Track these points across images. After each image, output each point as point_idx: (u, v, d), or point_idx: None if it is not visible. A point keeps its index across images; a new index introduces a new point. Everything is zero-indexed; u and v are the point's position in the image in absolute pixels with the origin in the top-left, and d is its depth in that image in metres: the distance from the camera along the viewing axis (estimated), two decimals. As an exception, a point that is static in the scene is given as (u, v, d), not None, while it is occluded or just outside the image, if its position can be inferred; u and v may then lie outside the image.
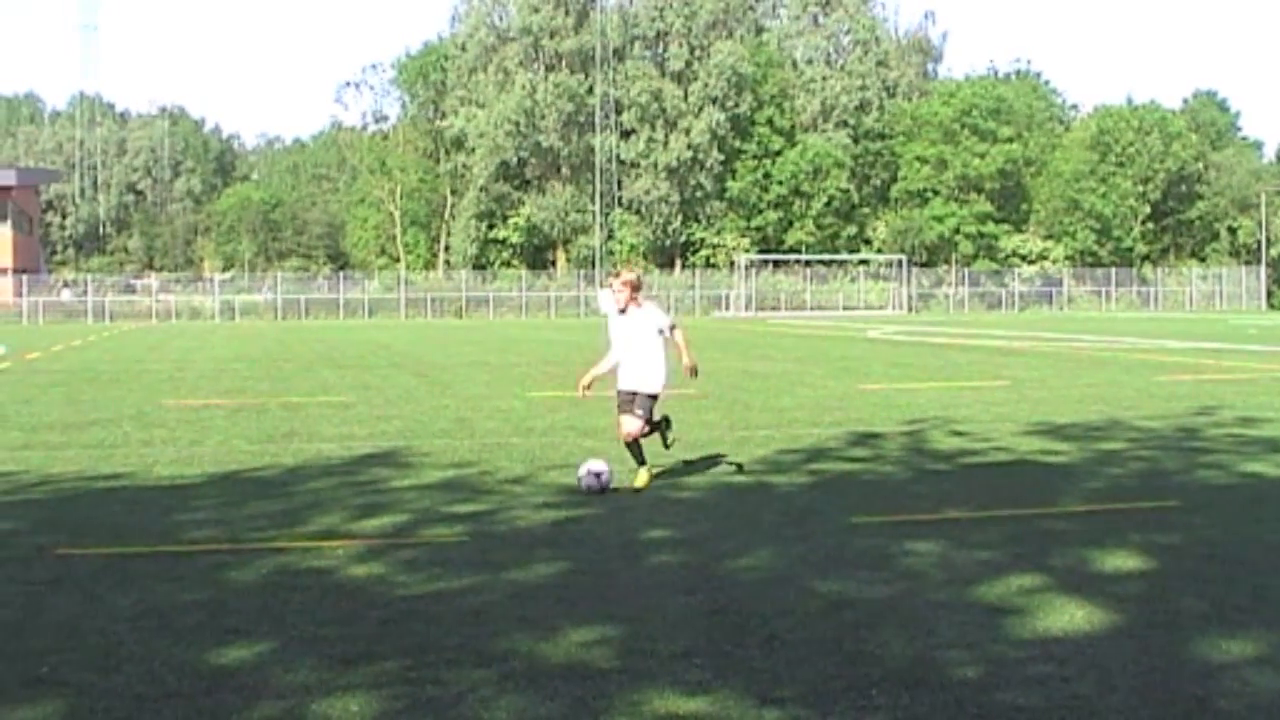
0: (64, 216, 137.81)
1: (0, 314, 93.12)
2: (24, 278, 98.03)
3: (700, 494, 13.07)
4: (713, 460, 15.34)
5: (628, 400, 13.51)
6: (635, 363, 13.51)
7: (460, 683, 6.86)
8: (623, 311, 13.51)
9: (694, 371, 13.72)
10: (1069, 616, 8.13)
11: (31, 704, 6.59)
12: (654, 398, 13.48)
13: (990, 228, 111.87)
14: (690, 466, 14.82)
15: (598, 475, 12.77)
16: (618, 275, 13.59)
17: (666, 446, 14.11)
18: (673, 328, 13.55)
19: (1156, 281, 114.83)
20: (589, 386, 13.94)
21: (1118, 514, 11.68)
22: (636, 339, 13.47)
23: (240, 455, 16.15)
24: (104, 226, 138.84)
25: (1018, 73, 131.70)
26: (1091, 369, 30.87)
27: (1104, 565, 9.53)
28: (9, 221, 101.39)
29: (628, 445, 13.50)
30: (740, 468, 14.35)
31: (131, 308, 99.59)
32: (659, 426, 13.76)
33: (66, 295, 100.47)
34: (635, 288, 13.49)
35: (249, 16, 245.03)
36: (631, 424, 13.38)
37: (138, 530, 11.30)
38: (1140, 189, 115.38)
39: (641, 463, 13.48)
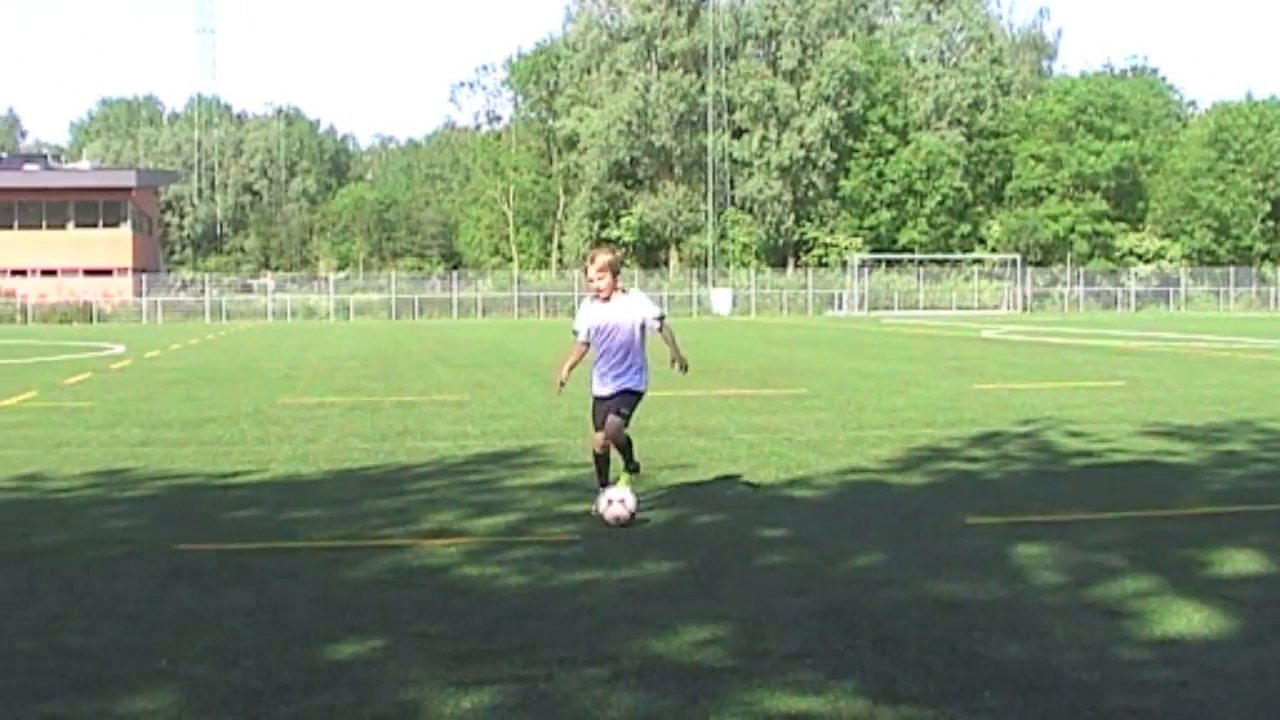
0: (182, 216, 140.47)
1: (121, 313, 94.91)
2: (143, 277, 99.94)
3: (813, 494, 12.92)
4: (831, 459, 15.13)
5: (607, 402, 11.71)
6: (618, 360, 11.75)
7: (572, 680, 6.84)
8: (606, 300, 11.67)
9: (684, 367, 12.12)
10: (1187, 620, 7.97)
11: (150, 696, 6.63)
12: (639, 398, 11.79)
13: (1106, 226, 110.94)
14: (809, 465, 14.62)
15: (621, 501, 10.97)
16: (593, 260, 11.67)
17: (633, 468, 11.87)
18: (662, 319, 11.89)
19: (1277, 281, 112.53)
20: (564, 383, 12.05)
21: (1239, 516, 11.45)
22: (620, 331, 11.67)
23: (355, 453, 16.21)
24: (221, 226, 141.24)
25: (1134, 69, 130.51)
26: (1210, 369, 30.36)
27: (1224, 568, 9.34)
28: (129, 222, 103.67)
29: (598, 456, 11.74)
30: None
31: (248, 306, 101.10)
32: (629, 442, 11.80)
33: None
34: (614, 271, 11.68)
35: (363, 18, 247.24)
36: (614, 424, 11.55)
37: (254, 526, 11.41)
38: (1260, 186, 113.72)
39: (604, 484, 11.55)
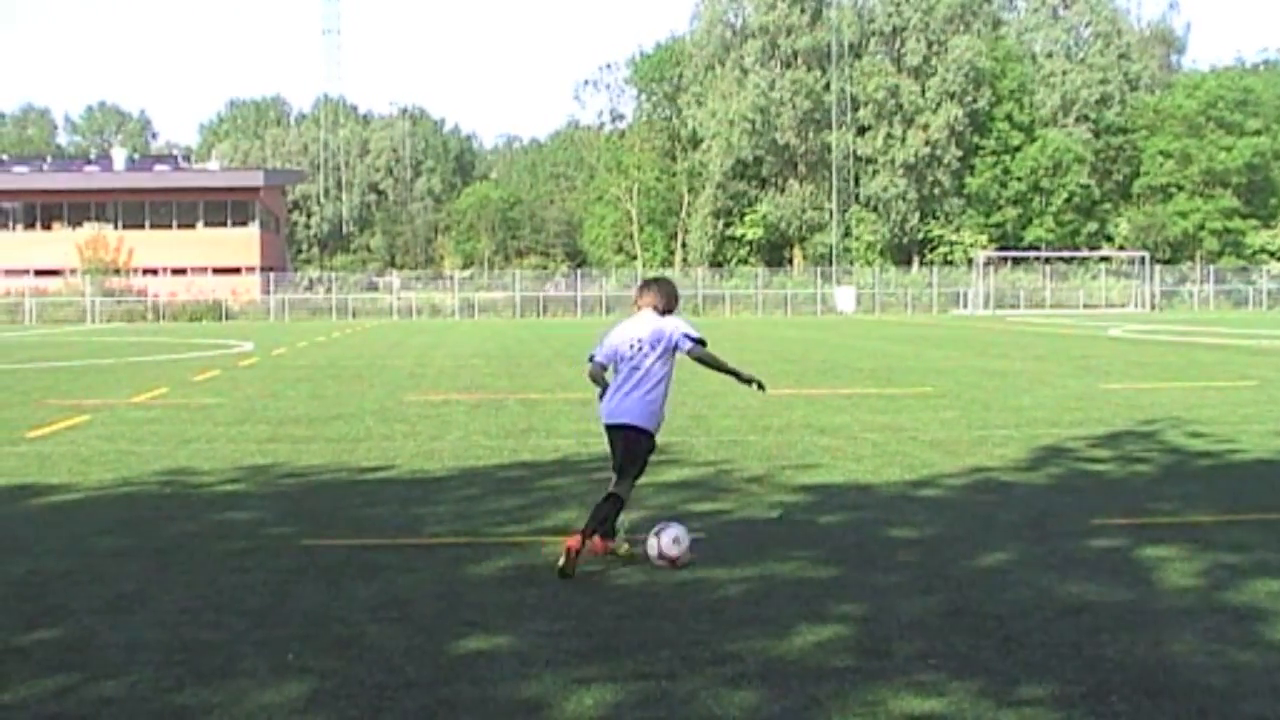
0: (309, 216, 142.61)
1: (248, 311, 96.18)
2: (271, 275, 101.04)
3: (938, 494, 12.89)
4: (956, 458, 15.07)
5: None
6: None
7: (694, 679, 6.86)
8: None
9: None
10: None
11: (278, 689, 6.77)
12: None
13: (1237, 223, 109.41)
14: (933, 465, 14.60)
15: (675, 540, 9.56)
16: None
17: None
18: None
19: None
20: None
21: None
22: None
23: (479, 450, 16.34)
24: (347, 225, 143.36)
25: (1265, 63, 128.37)
26: None
27: None
28: (256, 221, 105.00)
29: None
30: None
31: (373, 305, 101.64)
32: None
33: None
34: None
35: (488, 17, 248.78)
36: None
37: (379, 522, 11.53)
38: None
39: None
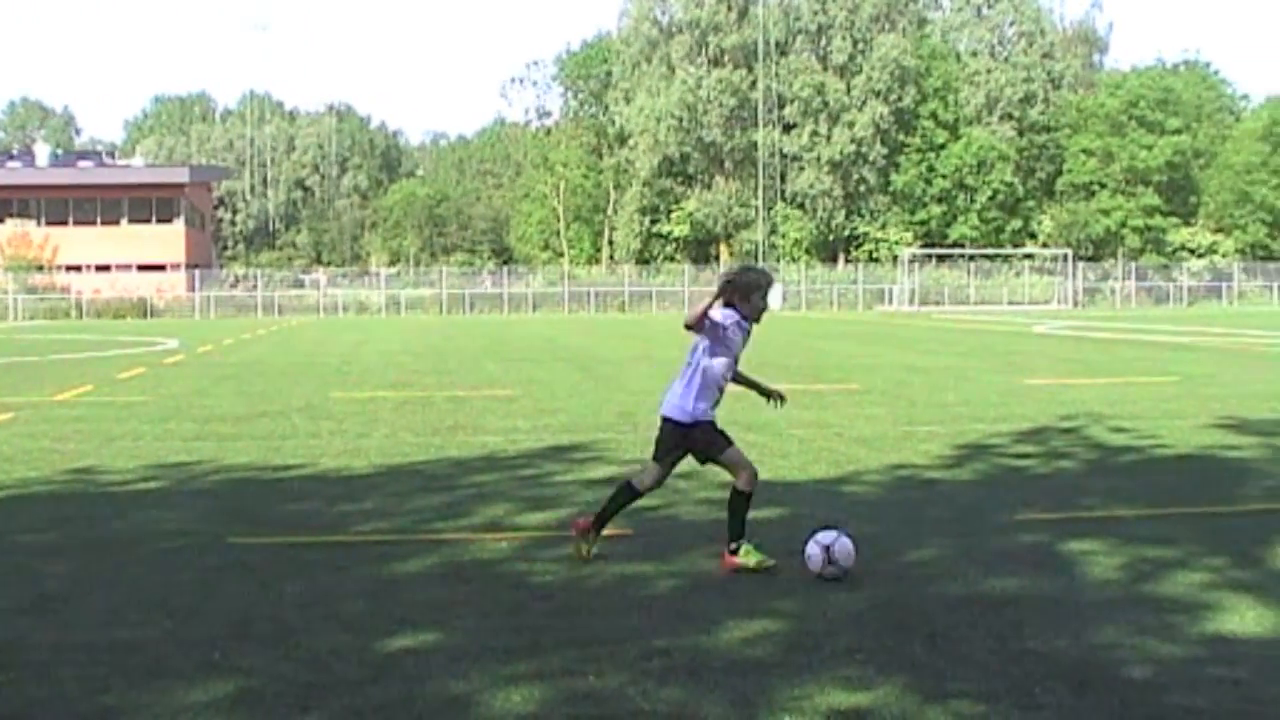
0: (235, 213, 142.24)
1: (174, 308, 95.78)
2: (197, 273, 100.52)
3: (864, 490, 12.96)
4: (882, 454, 15.17)
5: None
6: None
7: (622, 675, 6.89)
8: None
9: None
10: (1240, 617, 7.98)
11: (205, 687, 6.76)
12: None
13: (1158, 221, 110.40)
14: (860, 461, 14.68)
15: (826, 548, 9.06)
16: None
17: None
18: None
19: None
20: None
21: None
22: None
23: (406, 447, 16.33)
24: (273, 222, 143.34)
25: (1186, 63, 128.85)
26: (1264, 365, 30.26)
27: (1274, 563, 9.34)
28: (182, 218, 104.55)
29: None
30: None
31: (300, 302, 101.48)
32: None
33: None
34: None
35: (415, 15, 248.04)
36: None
37: (306, 520, 11.52)
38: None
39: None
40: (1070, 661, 7.11)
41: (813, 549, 9.04)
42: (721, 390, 9.72)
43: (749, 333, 9.62)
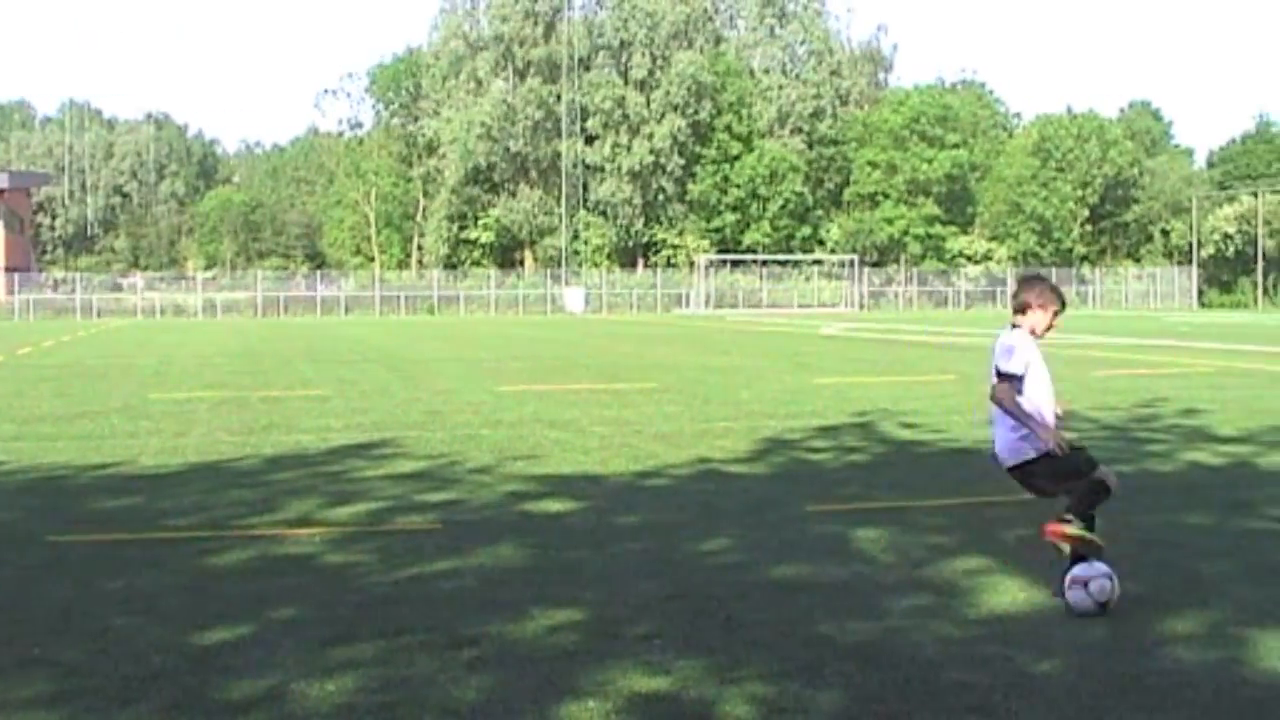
0: (54, 218, 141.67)
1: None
2: (16, 276, 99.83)
3: (663, 483, 13.10)
4: (680, 450, 15.28)
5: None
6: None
7: (433, 664, 6.98)
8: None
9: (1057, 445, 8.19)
10: (1012, 597, 8.26)
11: (25, 684, 6.69)
12: (1020, 472, 8.55)
13: (938, 229, 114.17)
14: (658, 456, 14.86)
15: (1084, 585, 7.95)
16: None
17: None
18: (1000, 375, 8.32)
19: (1095, 281, 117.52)
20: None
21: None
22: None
23: (222, 446, 16.19)
24: (92, 227, 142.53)
25: (963, 82, 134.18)
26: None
27: (1047, 549, 9.10)
28: (1, 222, 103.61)
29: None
30: None
31: (118, 305, 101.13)
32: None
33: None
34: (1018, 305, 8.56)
35: (231, 24, 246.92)
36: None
37: (125, 518, 11.41)
38: (1079, 193, 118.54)
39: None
40: (858, 642, 7.33)
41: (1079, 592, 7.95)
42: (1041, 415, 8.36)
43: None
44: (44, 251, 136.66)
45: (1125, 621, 7.72)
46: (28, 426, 18.70)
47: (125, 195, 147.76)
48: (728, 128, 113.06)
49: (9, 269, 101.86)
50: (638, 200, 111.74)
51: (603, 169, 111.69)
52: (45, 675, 6.82)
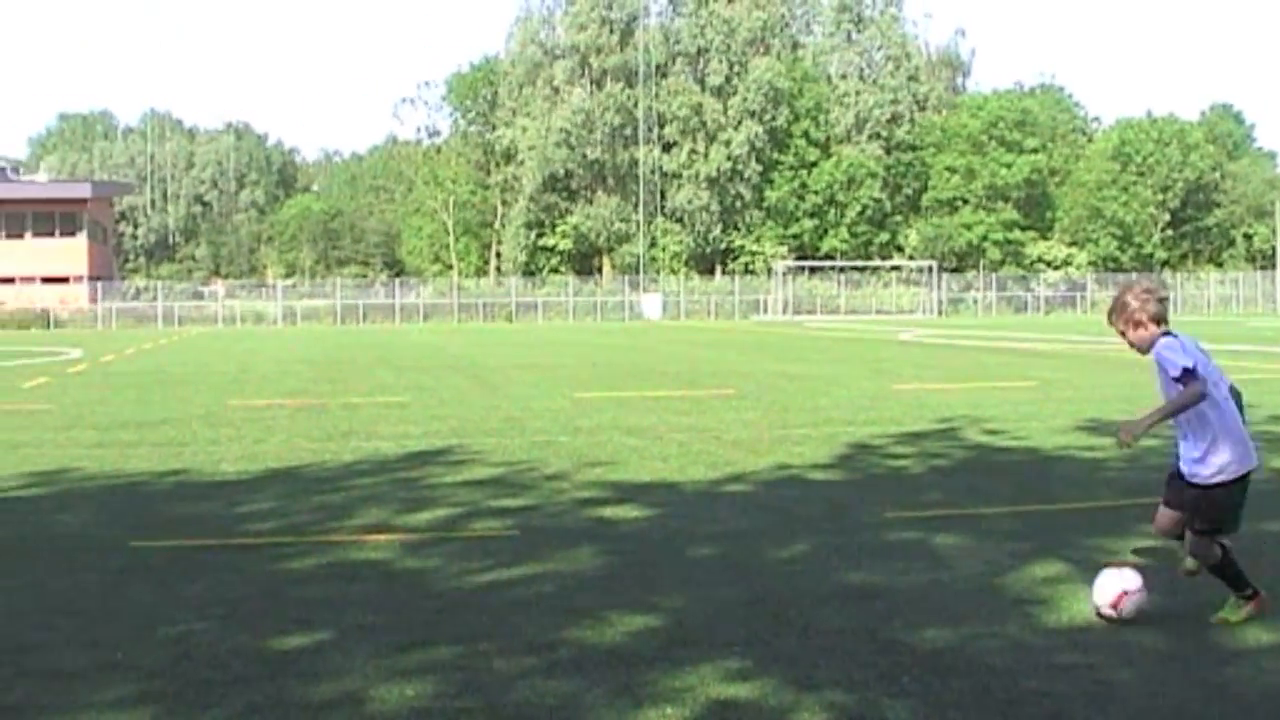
0: (136, 226, 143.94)
1: (77, 319, 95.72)
2: (99, 284, 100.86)
3: (740, 489, 13.08)
4: (758, 456, 15.27)
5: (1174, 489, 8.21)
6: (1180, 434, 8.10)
7: (510, 669, 6.99)
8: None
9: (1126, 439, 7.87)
10: (1091, 605, 8.03)
11: (107, 688, 6.76)
12: (1204, 499, 7.87)
13: (1016, 235, 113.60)
14: (736, 463, 14.83)
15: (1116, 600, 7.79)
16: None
17: (1242, 595, 7.90)
18: (1180, 378, 7.84)
19: (1176, 286, 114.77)
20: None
21: (1146, 508, 10.39)
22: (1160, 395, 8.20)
23: (301, 453, 16.32)
24: (173, 236, 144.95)
25: (1042, 86, 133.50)
26: (1116, 370, 29.84)
27: (1129, 556, 9.50)
28: (84, 232, 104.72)
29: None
30: None
31: (199, 313, 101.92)
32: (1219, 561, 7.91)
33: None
34: (1121, 315, 8.23)
35: (311, 35, 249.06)
36: (1164, 519, 8.34)
37: (205, 524, 11.49)
38: (1160, 197, 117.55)
39: (1239, 590, 7.90)
40: (935, 650, 7.27)
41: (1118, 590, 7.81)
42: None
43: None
44: (126, 260, 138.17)
45: (1207, 630, 7.64)
46: (110, 433, 18.80)
47: (206, 204, 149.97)
48: (805, 134, 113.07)
49: (93, 278, 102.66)
50: (715, 207, 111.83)
51: (680, 176, 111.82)
52: (127, 679, 6.88)
